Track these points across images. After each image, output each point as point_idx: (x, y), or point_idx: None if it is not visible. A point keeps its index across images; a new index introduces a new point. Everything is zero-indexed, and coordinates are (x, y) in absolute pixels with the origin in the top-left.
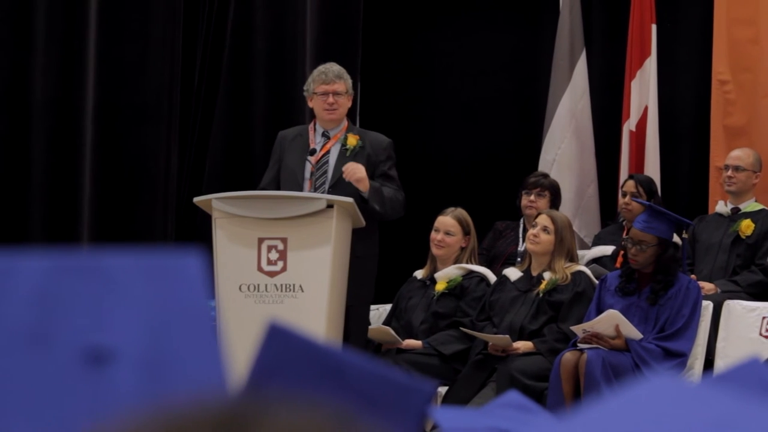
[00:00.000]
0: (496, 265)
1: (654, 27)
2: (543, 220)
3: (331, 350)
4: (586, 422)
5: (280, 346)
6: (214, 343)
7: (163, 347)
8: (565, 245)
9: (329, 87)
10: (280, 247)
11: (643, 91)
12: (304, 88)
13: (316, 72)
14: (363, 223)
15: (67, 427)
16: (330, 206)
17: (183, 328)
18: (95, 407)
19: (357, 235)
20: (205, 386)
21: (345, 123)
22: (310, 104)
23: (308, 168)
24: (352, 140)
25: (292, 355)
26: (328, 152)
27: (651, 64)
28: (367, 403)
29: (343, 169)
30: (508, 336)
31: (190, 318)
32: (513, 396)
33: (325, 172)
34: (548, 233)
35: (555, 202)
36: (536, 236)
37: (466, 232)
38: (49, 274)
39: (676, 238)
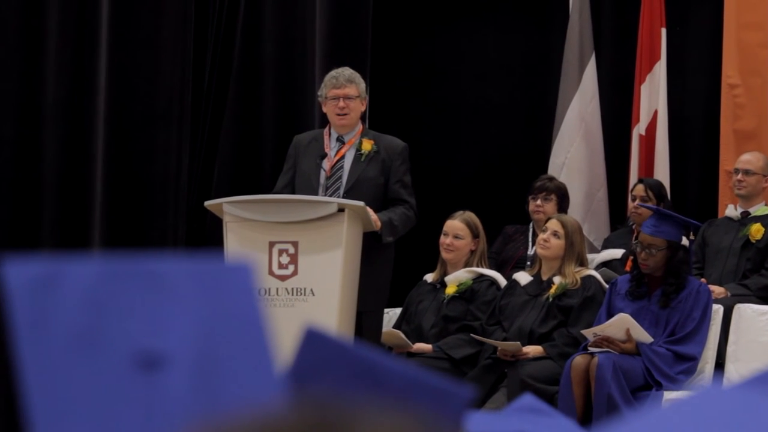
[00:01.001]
0: (505, 269)
1: (664, 31)
2: (553, 225)
3: (369, 354)
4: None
5: (317, 351)
6: (266, 350)
7: (215, 353)
8: (575, 250)
9: (340, 91)
10: (291, 251)
11: (653, 95)
12: (318, 93)
13: (328, 77)
14: (374, 227)
15: (120, 431)
16: (341, 210)
17: (235, 334)
18: (147, 412)
19: (372, 241)
20: (262, 392)
21: (360, 127)
22: (324, 109)
23: (323, 173)
24: (367, 145)
25: (330, 360)
26: (342, 157)
27: (661, 68)
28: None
29: None
30: (518, 343)
31: (243, 324)
32: (529, 399)
33: (340, 177)
34: (558, 238)
35: (563, 205)
36: (546, 241)
37: (475, 236)
38: (102, 278)
39: (685, 241)
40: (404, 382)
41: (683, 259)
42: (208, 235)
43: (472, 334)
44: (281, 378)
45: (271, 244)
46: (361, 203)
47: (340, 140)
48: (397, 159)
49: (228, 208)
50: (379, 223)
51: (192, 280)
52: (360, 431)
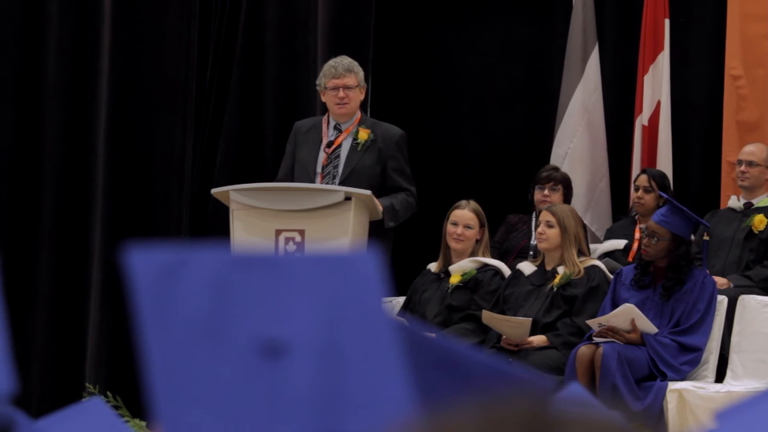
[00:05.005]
0: (508, 258)
1: (667, 22)
2: (544, 216)
3: (450, 345)
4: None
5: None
6: (388, 340)
7: (337, 342)
8: (570, 233)
9: (339, 81)
10: (298, 239)
11: (656, 85)
12: (317, 82)
13: (326, 66)
14: (380, 215)
15: (244, 419)
16: (348, 198)
17: (358, 324)
18: (270, 399)
19: (373, 228)
20: (384, 383)
21: (358, 115)
22: (323, 98)
23: (320, 161)
24: (363, 134)
25: (411, 350)
26: (339, 146)
27: (664, 59)
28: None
29: None
30: (529, 320)
31: (365, 315)
32: (576, 388)
33: (337, 165)
34: (552, 227)
35: (567, 195)
36: (542, 233)
37: (481, 225)
38: (225, 267)
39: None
40: (487, 372)
41: (685, 254)
42: (210, 224)
43: (484, 312)
44: (403, 369)
45: (278, 232)
46: (368, 192)
47: (338, 128)
48: (394, 147)
49: (235, 195)
50: (380, 207)
51: (315, 269)
52: (572, 428)
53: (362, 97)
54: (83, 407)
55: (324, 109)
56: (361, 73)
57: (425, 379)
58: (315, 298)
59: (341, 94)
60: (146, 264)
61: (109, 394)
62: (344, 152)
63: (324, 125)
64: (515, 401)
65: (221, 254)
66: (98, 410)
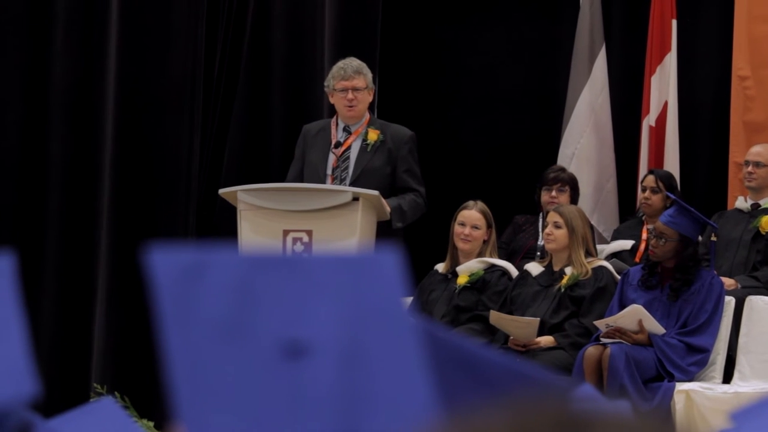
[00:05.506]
0: (515, 259)
1: (674, 22)
2: (552, 217)
3: (471, 347)
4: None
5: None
6: (409, 341)
7: (359, 342)
8: (578, 234)
9: (348, 83)
10: (305, 239)
11: (663, 86)
12: (325, 83)
13: (335, 68)
14: (388, 216)
15: (265, 419)
16: (356, 199)
17: (380, 324)
18: (292, 399)
19: (381, 228)
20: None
21: (367, 117)
22: (331, 100)
23: (330, 163)
24: (373, 135)
25: (432, 352)
26: (349, 147)
27: (671, 60)
28: (492, 394)
29: None
30: (537, 320)
31: (387, 315)
32: (587, 389)
33: (347, 167)
34: (559, 227)
35: (574, 196)
36: (550, 234)
37: (489, 225)
38: (247, 268)
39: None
40: (507, 374)
41: (692, 255)
42: (217, 224)
43: (491, 312)
44: (424, 370)
45: (285, 233)
46: (375, 192)
47: (347, 130)
48: (404, 148)
49: (242, 196)
50: (388, 208)
51: (337, 270)
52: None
53: (371, 98)
54: (95, 407)
55: (331, 111)
56: (370, 75)
57: (445, 380)
58: (336, 299)
59: (350, 96)
60: (168, 265)
61: (117, 394)
62: (354, 153)
63: (333, 127)
64: (544, 403)
65: (243, 255)
66: (110, 410)
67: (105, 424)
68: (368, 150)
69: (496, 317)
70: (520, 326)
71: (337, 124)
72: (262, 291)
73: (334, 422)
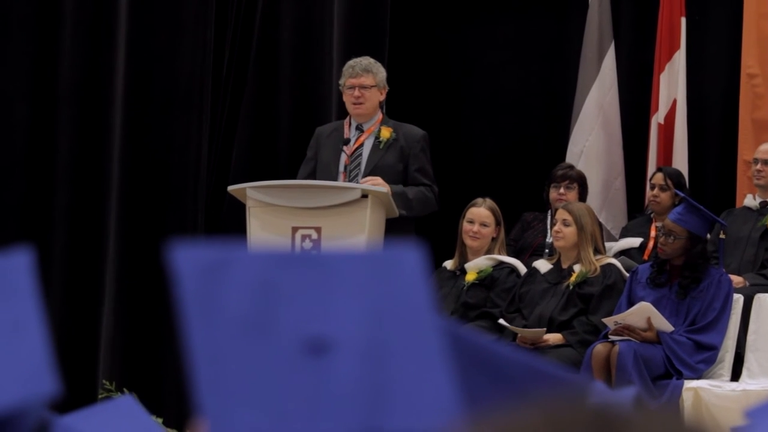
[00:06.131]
0: (524, 256)
1: (683, 20)
2: (561, 214)
3: (488, 344)
4: None
5: None
6: (433, 337)
7: (382, 339)
8: (587, 231)
9: (355, 81)
10: (314, 236)
11: (672, 84)
12: (339, 82)
13: (346, 66)
14: (396, 213)
15: (289, 415)
16: (364, 196)
17: (403, 321)
18: (314, 396)
19: (393, 226)
20: (429, 379)
21: (379, 116)
22: (344, 98)
23: (342, 161)
24: (386, 133)
25: (452, 349)
26: (361, 145)
27: (680, 57)
28: (513, 393)
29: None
30: (543, 329)
31: (410, 312)
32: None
33: (359, 164)
34: (568, 225)
35: (583, 193)
36: (559, 231)
37: (498, 223)
38: (270, 264)
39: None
40: (524, 371)
41: (701, 252)
42: (225, 221)
43: (500, 321)
44: (447, 367)
45: (294, 230)
46: (384, 189)
47: (360, 129)
48: (416, 146)
49: (252, 193)
50: (388, 189)
51: (360, 266)
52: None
53: (382, 97)
54: (114, 404)
55: (340, 108)
56: (382, 74)
57: (466, 377)
58: (359, 295)
59: (356, 93)
60: (191, 262)
61: (125, 390)
62: (366, 151)
63: (346, 127)
64: (576, 402)
65: (266, 252)
66: (129, 408)
67: (124, 423)
68: (381, 147)
69: (504, 324)
70: (527, 333)
71: (350, 124)
72: (285, 288)
73: (357, 419)
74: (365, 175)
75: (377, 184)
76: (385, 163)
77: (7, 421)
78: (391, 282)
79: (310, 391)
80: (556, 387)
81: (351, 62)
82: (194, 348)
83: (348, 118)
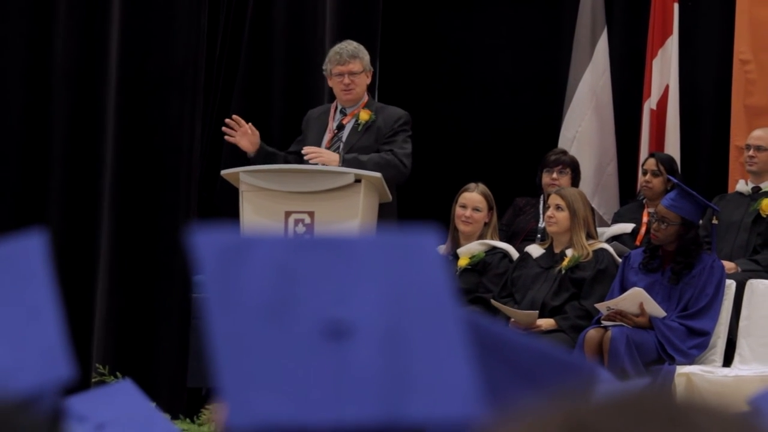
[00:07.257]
0: (516, 241)
1: (676, 6)
2: (553, 199)
3: (497, 329)
4: None
5: None
6: (451, 322)
7: (401, 323)
8: (579, 216)
9: (344, 68)
10: (307, 220)
11: (665, 69)
12: (323, 67)
13: (331, 52)
14: (390, 198)
15: (308, 399)
16: (358, 181)
17: (422, 305)
18: (334, 379)
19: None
20: (447, 362)
21: (364, 99)
22: (329, 84)
23: (324, 143)
24: (364, 115)
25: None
26: (343, 127)
27: (673, 43)
28: (529, 380)
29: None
30: (536, 312)
31: (429, 296)
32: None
33: (339, 147)
34: (561, 210)
35: (575, 178)
36: (551, 216)
37: (490, 208)
38: (290, 249)
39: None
40: (533, 356)
41: (694, 238)
42: (217, 206)
43: (492, 301)
44: (467, 351)
45: (287, 214)
46: (377, 174)
47: (343, 112)
48: (392, 125)
49: (245, 177)
50: (336, 160)
51: (379, 251)
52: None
53: (368, 80)
54: (113, 388)
55: (332, 93)
56: (367, 57)
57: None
58: (379, 280)
59: (347, 80)
60: (212, 246)
61: (118, 374)
62: (345, 134)
63: (332, 111)
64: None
65: (286, 237)
66: (128, 392)
67: (123, 405)
68: (359, 130)
69: (496, 305)
70: (520, 315)
71: (336, 108)
72: (305, 272)
73: (377, 403)
74: (342, 156)
75: (326, 159)
76: (361, 144)
77: (22, 405)
78: (411, 266)
79: (330, 375)
80: (571, 377)
81: (336, 48)
82: (215, 332)
83: (335, 102)
